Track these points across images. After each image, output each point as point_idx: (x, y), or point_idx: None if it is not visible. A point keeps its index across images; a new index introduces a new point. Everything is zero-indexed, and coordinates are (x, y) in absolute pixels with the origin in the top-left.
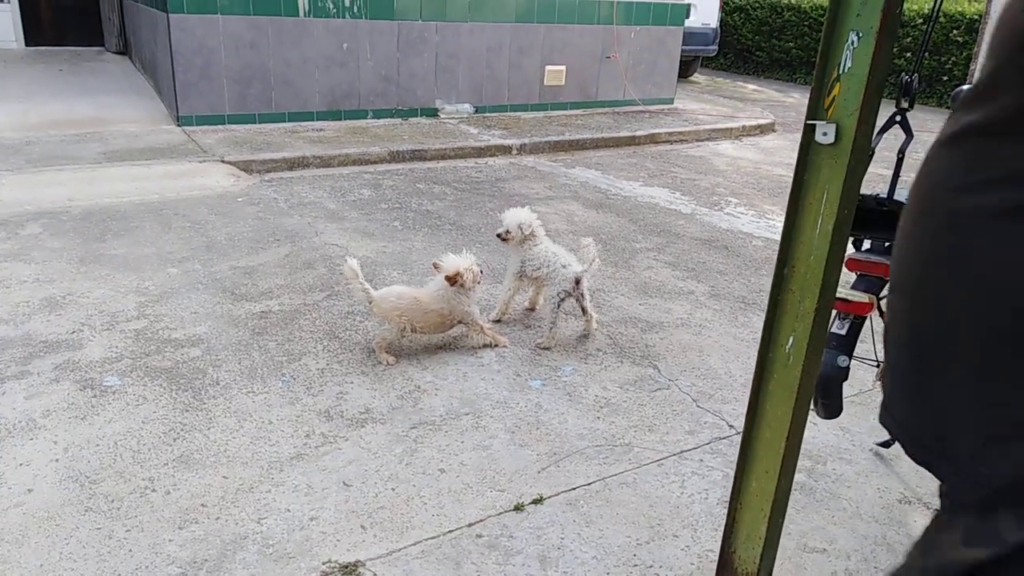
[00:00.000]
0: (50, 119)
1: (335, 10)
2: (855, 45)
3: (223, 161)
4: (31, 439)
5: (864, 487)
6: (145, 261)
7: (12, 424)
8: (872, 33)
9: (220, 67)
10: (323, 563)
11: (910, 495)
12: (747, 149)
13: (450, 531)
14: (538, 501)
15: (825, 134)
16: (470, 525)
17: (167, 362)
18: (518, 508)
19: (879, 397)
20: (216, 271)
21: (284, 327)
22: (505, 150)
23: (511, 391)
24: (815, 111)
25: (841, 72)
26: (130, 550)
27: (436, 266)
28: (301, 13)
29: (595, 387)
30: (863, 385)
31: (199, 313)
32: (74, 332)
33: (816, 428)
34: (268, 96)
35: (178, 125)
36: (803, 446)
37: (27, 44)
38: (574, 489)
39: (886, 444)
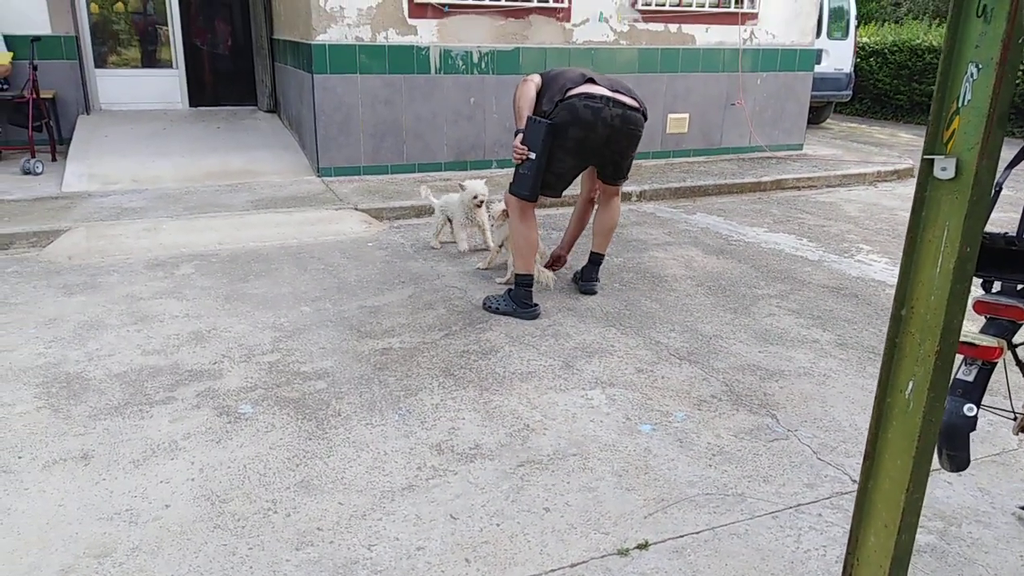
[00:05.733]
0: (207, 171)
1: (464, 67)
2: (975, 77)
3: (356, 209)
4: (172, 459)
5: (1004, 553)
6: (282, 300)
7: (157, 445)
8: (992, 64)
9: (357, 122)
10: None
11: None
12: (882, 195)
13: (552, 570)
14: (643, 547)
15: (944, 169)
16: (572, 566)
17: (295, 393)
18: (622, 552)
19: (1023, 457)
20: (344, 310)
21: (403, 363)
22: (624, 196)
23: (620, 434)
24: (933, 146)
25: (960, 105)
26: (251, 567)
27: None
28: (432, 70)
29: (708, 434)
30: (1006, 444)
31: (327, 348)
32: (215, 363)
33: (951, 488)
34: (400, 148)
35: (318, 176)
36: (937, 506)
37: (190, 105)
38: (681, 537)
39: None
